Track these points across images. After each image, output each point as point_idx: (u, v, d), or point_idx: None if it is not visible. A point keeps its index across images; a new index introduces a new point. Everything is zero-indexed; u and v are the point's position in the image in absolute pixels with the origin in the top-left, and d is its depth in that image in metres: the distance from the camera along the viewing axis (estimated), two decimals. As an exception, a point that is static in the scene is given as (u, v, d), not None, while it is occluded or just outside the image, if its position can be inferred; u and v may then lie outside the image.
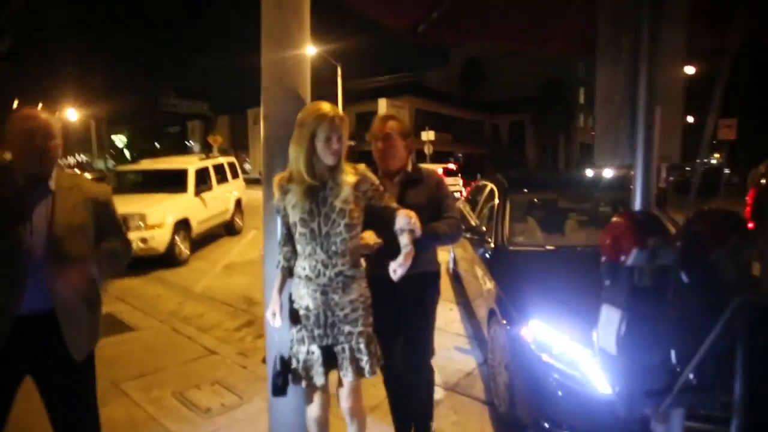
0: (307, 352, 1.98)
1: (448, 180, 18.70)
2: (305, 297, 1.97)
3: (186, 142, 52.14)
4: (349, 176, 1.93)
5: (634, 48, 1.26)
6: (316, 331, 1.96)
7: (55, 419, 1.95)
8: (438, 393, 3.39)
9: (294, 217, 1.94)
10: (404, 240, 1.87)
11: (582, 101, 41.72)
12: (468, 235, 4.34)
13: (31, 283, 1.79)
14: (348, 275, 1.95)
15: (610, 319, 1.17)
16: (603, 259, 1.20)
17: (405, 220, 1.87)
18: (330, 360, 1.99)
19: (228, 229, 10.66)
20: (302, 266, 1.96)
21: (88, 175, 14.52)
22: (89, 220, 1.96)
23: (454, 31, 2.10)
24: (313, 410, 2.09)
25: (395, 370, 2.43)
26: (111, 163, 40.13)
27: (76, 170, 22.69)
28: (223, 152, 44.02)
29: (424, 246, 2.15)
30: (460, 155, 37.07)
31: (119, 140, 49.56)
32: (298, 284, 2.00)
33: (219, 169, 10.46)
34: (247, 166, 45.32)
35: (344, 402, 2.07)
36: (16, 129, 1.82)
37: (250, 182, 29.62)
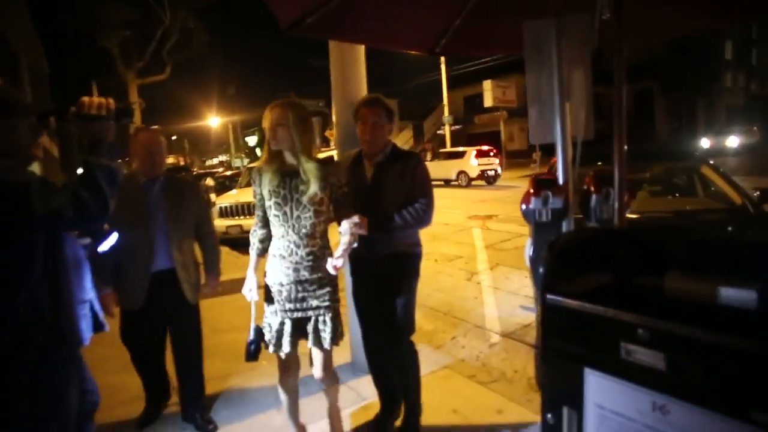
0: (280, 324, 2.17)
1: (482, 161, 19.03)
2: (279, 274, 2.15)
3: (308, 138, 56.71)
4: (316, 166, 2.07)
5: (549, 63, 1.87)
6: (288, 305, 2.15)
7: (177, 349, 2.75)
8: (494, 338, 4.06)
9: (269, 201, 2.13)
10: (343, 239, 2.02)
11: (729, 57, 36.23)
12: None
13: (155, 251, 2.56)
14: (317, 255, 2.12)
15: (527, 245, 1.84)
16: (521, 206, 1.87)
17: (347, 225, 2.01)
18: (299, 331, 2.19)
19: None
20: (276, 246, 2.15)
21: (228, 173, 17.19)
22: (190, 205, 2.70)
23: (465, 47, 2.71)
24: (283, 375, 2.31)
25: (375, 343, 2.58)
26: (246, 161, 45.48)
27: (220, 169, 26.35)
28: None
29: (389, 233, 2.27)
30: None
31: (251, 141, 55.81)
32: (272, 262, 2.18)
33: (330, 160, 11.86)
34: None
35: (316, 371, 2.28)
36: (137, 144, 2.57)
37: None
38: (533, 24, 1.89)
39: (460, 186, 19.66)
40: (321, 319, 2.15)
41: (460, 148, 21.39)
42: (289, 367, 2.28)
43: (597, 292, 1.38)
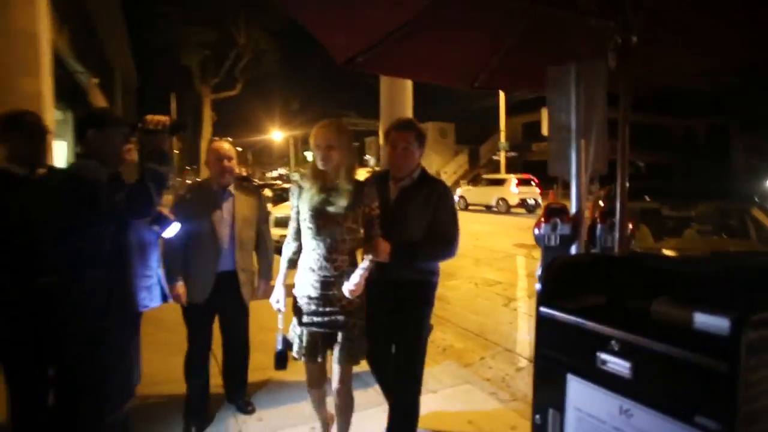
0: (306, 335, 2.22)
1: (523, 189, 19.26)
2: (307, 287, 2.19)
3: (363, 157, 57.96)
4: (351, 185, 2.14)
5: (568, 103, 2.08)
6: (315, 318, 2.18)
7: (228, 340, 3.02)
8: (522, 362, 4.14)
9: (304, 213, 2.18)
10: (363, 264, 2.10)
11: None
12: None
13: (222, 253, 2.76)
14: (346, 271, 2.14)
15: (539, 264, 2.03)
16: (534, 230, 2.07)
17: (367, 260, 2.11)
18: (325, 344, 2.24)
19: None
20: (307, 259, 2.19)
21: (285, 185, 18.09)
22: (254, 213, 2.91)
23: (498, 83, 2.94)
24: (310, 385, 2.37)
25: (378, 366, 2.55)
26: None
27: (279, 181, 27.59)
28: (394, 164, 46.81)
29: (408, 263, 2.26)
30: (641, 164, 33.56)
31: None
32: (301, 275, 2.22)
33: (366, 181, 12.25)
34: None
35: (334, 383, 2.27)
36: (210, 154, 2.79)
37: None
38: (555, 68, 2.11)
39: (499, 212, 19.62)
40: (345, 335, 2.17)
41: (501, 176, 21.87)
42: (315, 378, 2.33)
43: (586, 309, 1.56)
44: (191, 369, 2.88)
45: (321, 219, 2.14)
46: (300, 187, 2.24)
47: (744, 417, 1.12)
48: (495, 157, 32.83)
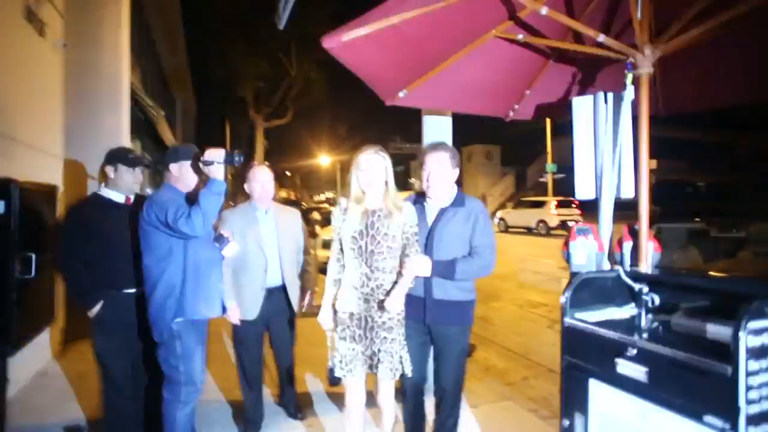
0: (349, 349, 2.27)
1: (562, 210, 19.20)
2: (351, 303, 2.27)
3: (408, 180, 58.44)
4: (396, 208, 2.26)
5: (591, 131, 2.24)
6: (357, 332, 2.26)
7: (278, 354, 3.18)
8: (564, 382, 4.14)
9: (347, 234, 2.28)
10: (402, 281, 2.19)
11: None
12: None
13: (269, 269, 2.90)
14: (387, 288, 2.23)
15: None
16: (562, 250, 2.21)
17: (407, 277, 2.18)
18: (367, 360, 2.27)
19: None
20: (350, 277, 2.28)
21: (332, 209, 18.63)
22: (296, 230, 3.08)
23: (531, 113, 3.09)
24: (350, 399, 2.34)
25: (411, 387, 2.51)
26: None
27: (326, 204, 28.34)
28: (439, 187, 46.55)
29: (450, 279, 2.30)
30: (701, 184, 31.88)
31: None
32: (345, 292, 2.30)
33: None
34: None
35: (378, 396, 2.36)
36: (251, 177, 2.94)
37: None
38: (580, 99, 2.28)
39: (539, 234, 19.40)
40: (388, 350, 2.23)
41: (541, 198, 21.78)
42: (355, 395, 2.33)
43: (606, 321, 1.69)
44: (246, 381, 3.08)
45: (363, 239, 2.24)
46: (345, 211, 2.31)
47: (749, 417, 1.22)
48: (542, 179, 32.25)
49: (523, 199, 23.90)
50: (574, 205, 19.38)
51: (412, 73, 2.55)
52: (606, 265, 2.10)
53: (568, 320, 1.75)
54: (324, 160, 41.05)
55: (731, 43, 2.20)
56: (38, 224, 2.45)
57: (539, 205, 20.54)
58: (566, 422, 1.75)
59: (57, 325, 4.26)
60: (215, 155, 2.22)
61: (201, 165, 2.26)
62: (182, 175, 2.42)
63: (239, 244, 2.69)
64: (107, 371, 2.46)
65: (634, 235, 2.01)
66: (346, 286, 2.29)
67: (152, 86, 13.57)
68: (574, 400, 1.72)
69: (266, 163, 3.12)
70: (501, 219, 22.58)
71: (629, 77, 1.96)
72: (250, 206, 2.99)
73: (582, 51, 2.30)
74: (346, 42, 2.04)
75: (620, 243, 2.07)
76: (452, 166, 2.38)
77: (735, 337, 1.23)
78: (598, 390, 1.63)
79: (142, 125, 10.67)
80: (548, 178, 26.77)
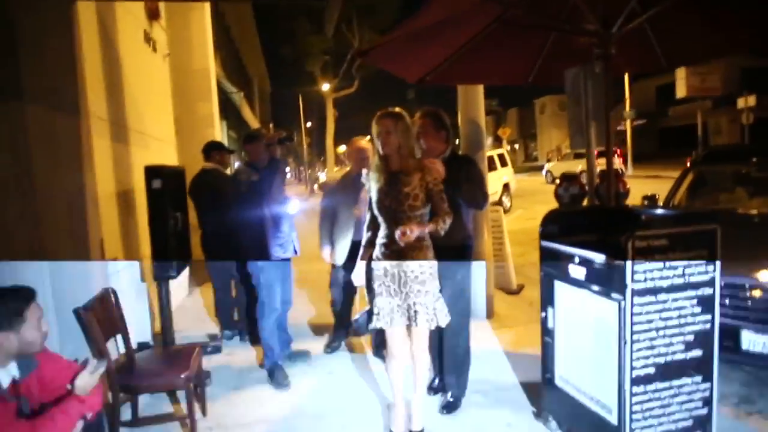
0: (387, 303, 2.41)
1: (600, 160, 18.16)
2: (382, 260, 2.41)
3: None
4: (415, 168, 2.36)
5: (579, 97, 2.79)
6: (392, 287, 2.39)
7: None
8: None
9: (373, 196, 2.44)
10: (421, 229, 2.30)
11: None
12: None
13: (359, 226, 3.31)
14: (415, 246, 2.34)
15: (557, 217, 2.81)
16: (555, 191, 2.84)
17: (428, 226, 2.34)
18: (403, 310, 2.40)
19: (496, 209, 12.93)
20: (381, 236, 2.43)
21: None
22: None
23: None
24: (393, 348, 2.48)
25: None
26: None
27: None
28: (512, 143, 45.22)
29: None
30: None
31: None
32: (377, 250, 2.44)
33: (489, 160, 12.84)
34: (535, 154, 47.20)
35: (412, 345, 2.48)
36: (351, 151, 3.66)
37: (535, 169, 30.71)
38: (570, 70, 2.81)
39: None
40: (422, 302, 2.36)
41: (582, 150, 21.91)
42: (395, 345, 2.46)
43: (567, 242, 2.34)
44: (339, 304, 3.91)
45: (387, 200, 2.38)
46: (368, 177, 2.50)
47: (634, 292, 1.87)
48: (621, 128, 30.41)
49: (566, 151, 24.91)
50: (617, 154, 19.01)
51: (435, 60, 3.21)
52: (588, 202, 2.70)
53: (544, 242, 2.42)
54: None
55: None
56: (176, 195, 3.49)
57: (581, 156, 20.31)
58: (543, 314, 2.45)
59: (184, 273, 5.58)
60: (273, 138, 3.31)
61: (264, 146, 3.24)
62: (253, 152, 3.34)
63: (339, 205, 3.49)
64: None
65: (606, 177, 2.58)
66: (378, 245, 2.44)
67: (231, 70, 14.98)
68: (547, 298, 2.42)
69: (367, 138, 3.42)
70: (548, 171, 23.85)
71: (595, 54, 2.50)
72: (349, 174, 3.62)
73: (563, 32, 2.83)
74: (376, 53, 2.77)
75: (598, 185, 2.65)
76: (435, 129, 2.72)
77: (627, 240, 1.87)
78: (559, 288, 2.31)
79: (226, 109, 12.08)
80: (627, 126, 25.34)
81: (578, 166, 20.38)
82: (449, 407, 2.79)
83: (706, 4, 2.68)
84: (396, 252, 2.37)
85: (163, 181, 3.13)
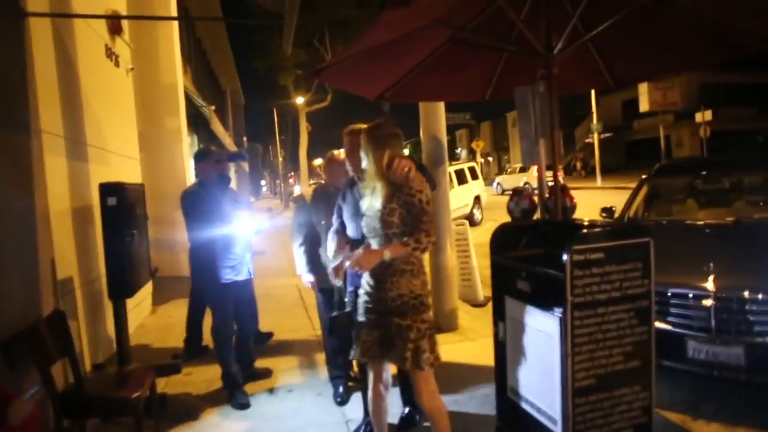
0: (366, 334, 2.19)
1: (547, 173, 22.45)
2: (365, 286, 2.20)
3: (455, 150, 58.09)
4: (381, 182, 2.14)
5: (529, 114, 2.89)
6: (372, 317, 2.16)
7: None
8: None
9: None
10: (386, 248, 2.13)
11: None
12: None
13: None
14: (398, 268, 2.09)
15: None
16: (507, 205, 2.91)
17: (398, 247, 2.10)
18: (382, 344, 2.14)
19: (468, 221, 13.11)
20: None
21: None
22: None
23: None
24: (370, 388, 2.30)
25: None
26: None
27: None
28: (485, 155, 45.90)
29: None
30: (760, 138, 29.63)
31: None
32: (364, 276, 2.21)
33: (459, 173, 13.04)
34: (508, 166, 48.21)
35: (416, 394, 2.19)
36: (329, 166, 3.39)
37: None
38: (519, 88, 2.92)
39: None
40: (402, 337, 2.08)
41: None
42: (373, 380, 2.28)
43: (515, 256, 2.40)
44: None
45: (360, 218, 2.24)
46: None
47: (573, 306, 1.94)
48: (588, 140, 31.35)
49: (514, 166, 29.84)
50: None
51: (391, 78, 3.28)
52: (537, 216, 2.79)
53: (494, 257, 2.48)
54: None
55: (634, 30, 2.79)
56: (134, 212, 3.43)
57: (525, 170, 25.16)
58: (495, 328, 2.50)
59: (147, 290, 5.46)
60: (222, 155, 3.43)
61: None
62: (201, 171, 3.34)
63: (316, 221, 3.24)
64: None
65: (554, 192, 2.67)
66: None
67: (203, 83, 14.86)
68: (498, 312, 2.47)
69: (340, 152, 3.25)
70: (498, 183, 27.51)
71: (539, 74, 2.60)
72: (325, 188, 3.25)
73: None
74: (330, 72, 2.82)
75: (547, 200, 2.74)
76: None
77: (566, 254, 1.94)
78: (509, 302, 2.37)
79: (196, 123, 11.95)
80: (594, 139, 26.16)
81: (522, 179, 23.67)
82: (405, 423, 2.80)
83: (646, 25, 2.83)
84: (376, 278, 2.14)
85: (119, 198, 3.08)
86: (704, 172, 5.18)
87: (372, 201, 2.18)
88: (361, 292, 2.23)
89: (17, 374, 2.40)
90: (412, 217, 2.09)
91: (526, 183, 23.00)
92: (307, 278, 3.19)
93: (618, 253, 2.02)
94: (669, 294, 2.98)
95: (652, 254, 2.06)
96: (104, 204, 3.07)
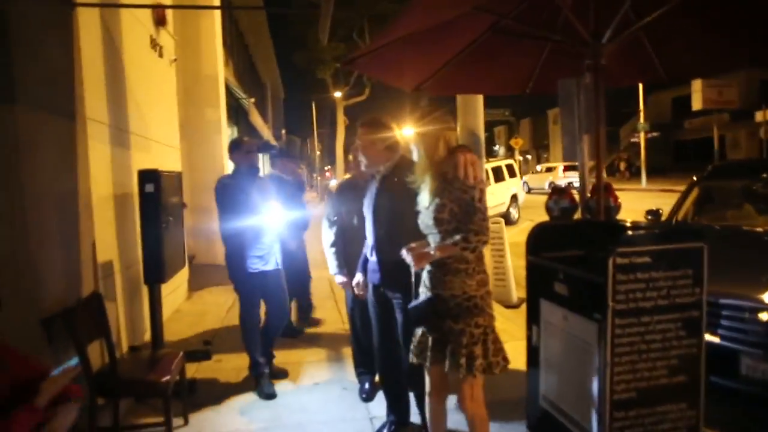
0: (421, 335, 2.10)
1: (570, 173, 23.31)
2: (424, 284, 2.10)
3: (493, 147, 57.05)
4: (432, 179, 2.05)
5: (573, 108, 2.73)
6: (429, 317, 2.05)
7: None
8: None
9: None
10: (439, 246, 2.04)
11: None
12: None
13: None
14: (451, 268, 1.97)
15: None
16: (546, 204, 2.78)
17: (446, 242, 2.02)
18: (440, 349, 2.03)
19: (505, 219, 12.82)
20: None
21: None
22: None
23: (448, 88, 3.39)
24: (430, 391, 2.22)
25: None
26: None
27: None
28: (524, 153, 45.08)
29: None
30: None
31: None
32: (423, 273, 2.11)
33: (497, 170, 12.76)
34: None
35: (459, 398, 2.06)
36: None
37: (547, 180, 31.54)
38: (563, 81, 2.76)
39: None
40: (455, 341, 1.98)
41: (552, 164, 28.11)
42: (432, 384, 2.18)
43: (554, 257, 2.28)
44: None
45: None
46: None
47: (615, 312, 1.81)
48: (634, 140, 30.03)
49: (540, 165, 30.57)
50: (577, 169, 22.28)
51: (430, 69, 3.19)
52: (579, 215, 2.64)
53: (531, 257, 2.36)
54: (407, 131, 41.44)
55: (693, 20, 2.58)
56: (170, 199, 3.50)
57: (551, 170, 26.33)
58: (528, 331, 2.39)
59: (183, 277, 5.61)
60: (253, 145, 3.37)
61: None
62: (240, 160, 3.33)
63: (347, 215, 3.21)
64: None
65: (597, 191, 2.52)
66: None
67: (244, 76, 15.15)
68: (532, 315, 2.35)
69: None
70: (525, 182, 27.30)
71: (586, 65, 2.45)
72: (353, 181, 3.17)
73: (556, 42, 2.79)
74: (364, 61, 2.75)
75: (588, 199, 2.59)
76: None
77: (607, 257, 1.81)
78: (544, 305, 2.25)
79: (236, 114, 12.20)
80: (640, 138, 25.01)
81: (548, 178, 24.68)
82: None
83: (707, 15, 2.61)
84: (430, 279, 2.05)
85: (156, 185, 3.14)
86: (764, 175, 4.83)
87: (422, 196, 2.08)
88: (421, 290, 2.13)
89: (57, 352, 2.49)
90: (464, 214, 1.97)
91: (551, 182, 23.06)
92: (340, 280, 3.06)
93: (667, 257, 1.87)
94: (722, 305, 2.76)
95: (706, 261, 1.90)
96: (142, 190, 3.14)
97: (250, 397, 3.17)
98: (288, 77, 29.48)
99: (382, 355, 2.57)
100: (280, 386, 3.29)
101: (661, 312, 1.88)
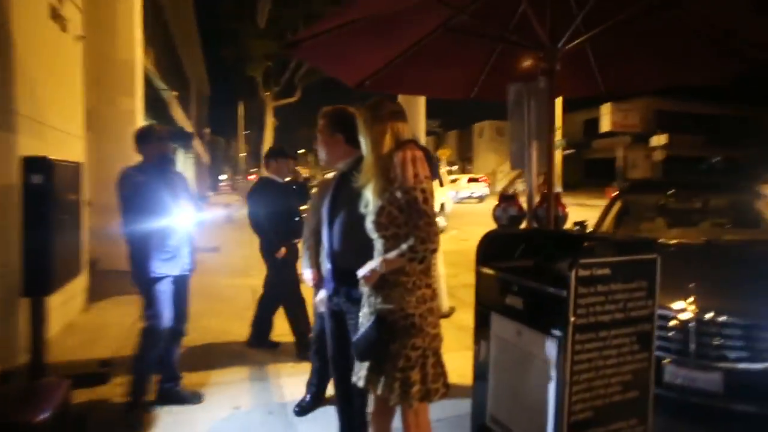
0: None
1: (473, 185, 27.54)
2: (364, 298, 1.87)
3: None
4: (375, 177, 1.78)
5: (522, 114, 2.66)
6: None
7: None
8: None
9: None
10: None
11: None
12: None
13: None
14: (387, 281, 1.75)
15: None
16: (493, 212, 2.67)
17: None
18: (375, 371, 1.80)
19: (433, 228, 13.00)
20: None
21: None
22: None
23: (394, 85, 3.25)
24: (372, 408, 2.00)
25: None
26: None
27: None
28: (450, 164, 46.83)
29: None
30: (716, 159, 31.35)
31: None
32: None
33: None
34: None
35: (403, 426, 1.85)
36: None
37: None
38: (513, 86, 2.69)
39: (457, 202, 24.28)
40: (389, 362, 1.75)
41: (457, 176, 30.39)
42: (374, 408, 1.97)
43: (505, 267, 2.15)
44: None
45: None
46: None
47: (575, 328, 1.69)
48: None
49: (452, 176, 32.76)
50: (482, 180, 27.57)
51: (374, 65, 2.98)
52: (525, 224, 2.55)
53: (480, 268, 2.22)
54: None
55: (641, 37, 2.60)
56: (67, 194, 2.96)
57: (454, 181, 28.03)
58: (476, 347, 2.23)
59: (81, 285, 4.89)
60: (164, 132, 3.02)
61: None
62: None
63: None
64: None
65: (546, 200, 2.45)
66: None
67: (166, 68, 14.05)
68: (480, 329, 2.20)
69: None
70: (456, 192, 29.85)
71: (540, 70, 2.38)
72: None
73: (509, 43, 2.71)
74: (308, 47, 2.48)
75: (536, 208, 2.51)
76: (332, 132, 2.15)
77: (570, 269, 1.69)
78: (495, 319, 2.11)
79: (155, 107, 11.22)
80: (557, 155, 26.82)
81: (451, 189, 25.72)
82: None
83: (648, 32, 2.66)
84: (371, 289, 1.81)
85: (48, 176, 2.61)
86: (675, 191, 5.17)
87: (366, 196, 1.80)
88: (363, 312, 1.88)
89: None
90: (407, 218, 1.70)
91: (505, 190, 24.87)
92: (307, 275, 2.74)
93: (624, 269, 1.80)
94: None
95: (658, 273, 1.86)
96: (27, 181, 2.60)
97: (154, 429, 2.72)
98: (215, 74, 28.01)
99: (336, 375, 2.28)
100: (195, 412, 2.87)
101: (617, 326, 1.80)
